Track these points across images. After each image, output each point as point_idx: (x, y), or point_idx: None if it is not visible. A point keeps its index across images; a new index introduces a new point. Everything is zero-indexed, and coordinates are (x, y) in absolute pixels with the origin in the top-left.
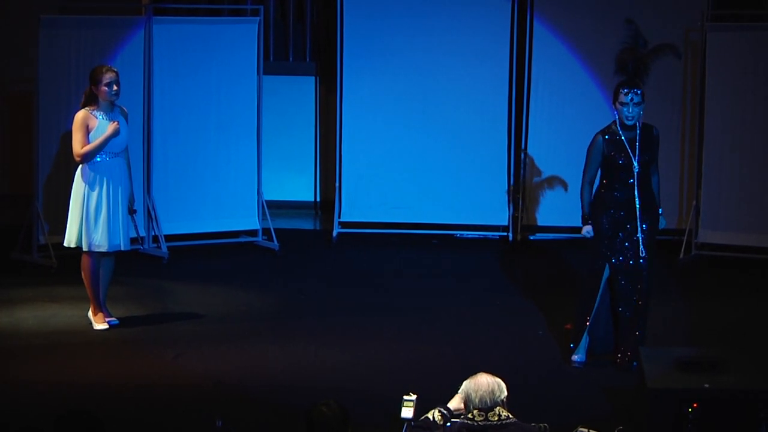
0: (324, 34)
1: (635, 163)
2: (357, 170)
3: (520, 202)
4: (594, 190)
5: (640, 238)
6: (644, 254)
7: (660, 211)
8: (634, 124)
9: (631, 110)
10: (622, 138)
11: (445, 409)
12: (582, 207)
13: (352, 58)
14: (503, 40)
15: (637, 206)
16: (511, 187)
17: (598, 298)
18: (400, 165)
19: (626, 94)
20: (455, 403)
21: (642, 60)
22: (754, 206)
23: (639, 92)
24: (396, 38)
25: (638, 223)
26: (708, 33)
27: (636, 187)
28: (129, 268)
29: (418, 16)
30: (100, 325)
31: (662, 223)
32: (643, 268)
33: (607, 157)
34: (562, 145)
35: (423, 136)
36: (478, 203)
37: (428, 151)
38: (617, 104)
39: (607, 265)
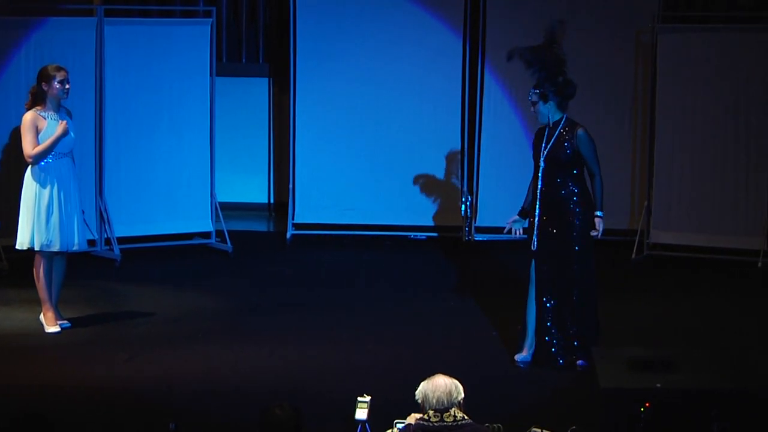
0: (277, 36)
1: (541, 159)
2: (310, 172)
3: (474, 203)
4: None
5: (536, 229)
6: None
7: (599, 213)
8: (549, 122)
9: (531, 109)
10: (545, 134)
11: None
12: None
13: (305, 59)
14: (456, 42)
15: (538, 198)
16: (464, 189)
17: (531, 294)
18: (354, 167)
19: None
20: (411, 420)
21: (535, 54)
22: (705, 207)
23: (534, 91)
24: (349, 40)
25: (537, 213)
26: (659, 35)
27: (540, 181)
28: (81, 270)
29: (371, 20)
30: (51, 328)
31: (600, 226)
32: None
33: (533, 150)
34: (515, 147)
35: (376, 138)
36: (430, 205)
37: (381, 152)
38: None
39: (533, 260)
